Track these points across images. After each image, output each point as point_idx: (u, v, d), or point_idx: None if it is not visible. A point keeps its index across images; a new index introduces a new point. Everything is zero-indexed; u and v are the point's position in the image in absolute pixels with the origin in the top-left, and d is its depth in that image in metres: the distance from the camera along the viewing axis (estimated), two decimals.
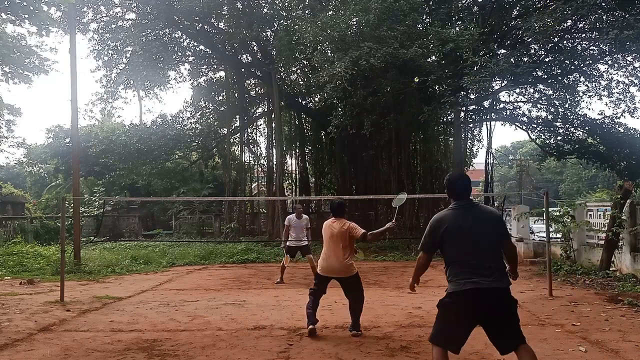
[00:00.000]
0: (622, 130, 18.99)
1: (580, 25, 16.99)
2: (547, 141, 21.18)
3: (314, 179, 26.53)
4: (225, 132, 23.78)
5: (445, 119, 20.36)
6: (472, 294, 3.50)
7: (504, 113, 20.72)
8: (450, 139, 21.22)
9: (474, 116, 21.58)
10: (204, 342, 5.70)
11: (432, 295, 8.69)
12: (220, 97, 25.02)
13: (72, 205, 14.93)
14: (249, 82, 25.44)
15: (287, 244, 10.47)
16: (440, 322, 3.69)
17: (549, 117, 20.04)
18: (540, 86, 18.95)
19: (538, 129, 21.05)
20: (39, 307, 7.69)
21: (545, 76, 18.09)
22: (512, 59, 15.46)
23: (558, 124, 20.10)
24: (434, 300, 8.26)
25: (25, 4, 10.66)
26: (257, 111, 26.27)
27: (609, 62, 17.70)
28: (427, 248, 3.82)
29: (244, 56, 23.74)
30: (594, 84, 18.33)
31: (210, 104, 25.37)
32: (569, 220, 11.71)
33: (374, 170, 20.73)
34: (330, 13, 16.29)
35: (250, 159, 26.14)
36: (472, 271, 3.54)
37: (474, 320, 3.58)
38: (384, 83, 17.25)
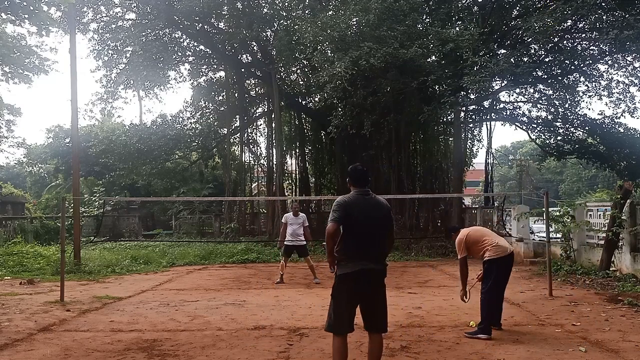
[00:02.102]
0: (622, 130, 19.00)
1: (580, 25, 16.99)
2: (547, 141, 21.18)
3: (314, 179, 26.53)
4: (225, 132, 23.79)
5: (445, 119, 20.37)
6: (361, 274, 3.93)
7: (504, 113, 20.73)
8: (450, 139, 21.22)
9: (474, 116, 21.58)
10: (204, 342, 5.70)
11: (432, 295, 8.70)
12: (220, 97, 25.02)
13: (72, 205, 14.93)
14: (249, 82, 25.44)
15: (285, 242, 10.49)
16: (335, 308, 4.00)
17: (549, 117, 20.04)
18: (540, 86, 18.96)
19: (538, 129, 21.06)
20: (39, 307, 7.69)
21: (545, 76, 18.09)
22: (512, 59, 15.46)
23: (558, 124, 20.10)
24: (434, 300, 8.30)
25: (25, 4, 10.67)
26: (257, 111, 26.28)
27: (609, 62, 17.72)
28: (339, 220, 3.96)
29: (244, 56, 23.74)
30: (594, 84, 18.34)
31: (210, 104, 25.37)
32: (569, 220, 11.71)
33: (374, 170, 20.70)
34: (330, 13, 16.29)
35: (250, 159, 26.17)
36: (363, 253, 3.95)
37: (360, 298, 4.01)
38: (384, 83, 17.24)
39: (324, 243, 12.26)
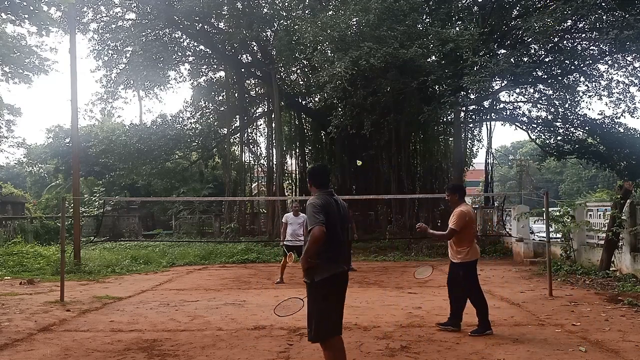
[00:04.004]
0: (622, 130, 19.01)
1: (580, 25, 17.00)
2: (547, 141, 21.19)
3: None
4: (225, 132, 23.79)
5: (445, 119, 20.38)
6: (342, 276, 3.99)
7: (504, 113, 20.74)
8: (450, 139, 21.24)
9: (474, 116, 21.59)
10: (204, 342, 5.70)
11: (432, 295, 8.71)
12: (220, 97, 25.03)
13: (72, 205, 14.93)
14: (249, 82, 25.45)
15: (285, 242, 10.50)
16: (327, 312, 3.92)
17: (549, 117, 20.05)
18: (540, 86, 18.96)
19: (538, 129, 21.07)
20: (39, 307, 7.69)
21: (545, 76, 18.09)
22: (512, 59, 15.46)
23: (558, 124, 20.11)
24: (434, 300, 8.30)
25: (25, 4, 10.67)
26: (257, 111, 26.30)
27: (609, 62, 17.73)
28: (325, 222, 3.78)
29: (244, 56, 23.75)
30: (594, 84, 18.35)
31: (210, 104, 25.38)
32: (569, 220, 11.70)
33: (374, 170, 20.73)
34: (330, 13, 16.30)
35: (250, 159, 26.18)
36: (340, 254, 3.97)
37: (342, 301, 4.06)
38: (384, 83, 17.25)
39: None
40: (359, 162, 15.09)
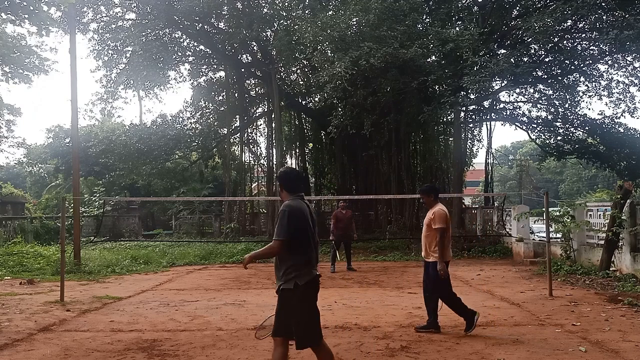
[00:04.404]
0: (622, 130, 19.01)
1: (580, 25, 17.00)
2: (547, 141, 21.19)
3: (314, 179, 26.55)
4: (225, 132, 23.79)
5: (445, 119, 20.38)
6: (317, 281, 3.93)
7: (504, 113, 20.74)
8: (450, 139, 21.24)
9: (474, 116, 21.59)
10: (204, 342, 5.70)
11: None
12: (220, 97, 25.02)
13: (72, 205, 14.93)
14: (249, 82, 25.46)
15: None
16: (313, 315, 3.86)
17: (549, 117, 20.05)
18: (540, 86, 18.97)
19: (538, 129, 21.07)
20: (39, 307, 7.69)
21: (545, 76, 18.10)
22: (512, 59, 15.47)
23: (558, 124, 20.11)
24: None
25: (25, 4, 10.68)
26: (257, 111, 26.30)
27: (609, 62, 17.74)
28: (290, 235, 3.71)
29: (244, 56, 23.75)
30: (594, 84, 18.36)
31: (210, 104, 25.37)
32: (569, 220, 11.70)
33: (374, 170, 20.73)
34: (330, 13, 16.30)
35: (250, 159, 26.20)
36: (313, 260, 3.91)
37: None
38: (384, 83, 17.25)
39: (331, 239, 12.04)
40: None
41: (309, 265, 3.84)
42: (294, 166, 26.19)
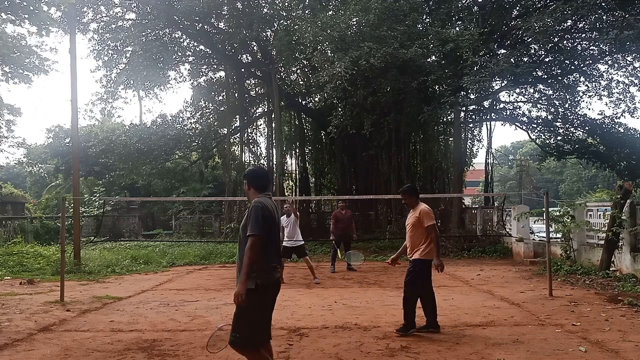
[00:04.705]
0: (622, 130, 19.02)
1: (580, 25, 17.01)
2: (547, 141, 21.19)
3: (314, 179, 26.55)
4: (225, 132, 23.79)
5: (445, 119, 20.39)
6: (276, 284, 3.81)
7: (504, 113, 20.74)
8: (450, 139, 21.24)
9: (474, 116, 21.59)
10: (204, 342, 5.68)
11: None
12: (220, 97, 25.03)
13: (72, 205, 14.93)
14: (249, 82, 25.45)
15: (283, 244, 10.53)
16: (254, 320, 3.70)
17: (549, 117, 20.05)
18: (540, 86, 18.97)
19: (538, 129, 21.07)
20: (39, 307, 7.69)
21: (545, 76, 18.10)
22: (512, 59, 15.47)
23: (558, 124, 20.12)
24: None
25: (25, 4, 10.68)
26: (257, 111, 26.30)
27: (609, 62, 17.74)
28: (265, 231, 3.63)
29: (244, 56, 23.75)
30: (594, 84, 18.36)
31: (210, 104, 25.37)
32: (569, 220, 11.70)
33: (374, 170, 20.74)
34: (330, 13, 16.30)
35: (250, 159, 26.16)
36: (276, 262, 3.82)
37: (271, 307, 3.84)
38: (384, 83, 17.26)
39: (332, 239, 12.00)
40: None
41: (272, 266, 3.74)
42: (294, 166, 26.25)
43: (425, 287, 6.10)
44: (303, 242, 10.71)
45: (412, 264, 6.04)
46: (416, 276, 5.98)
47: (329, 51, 16.62)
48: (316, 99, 22.55)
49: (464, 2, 18.71)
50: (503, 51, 17.69)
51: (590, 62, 17.79)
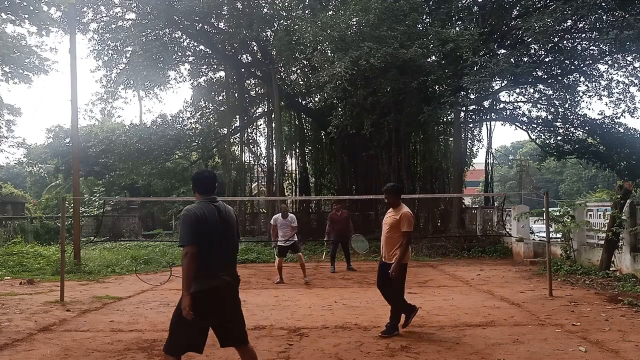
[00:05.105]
0: (622, 130, 19.02)
1: (580, 25, 17.01)
2: (547, 141, 21.20)
3: (314, 179, 26.53)
4: (225, 132, 23.79)
5: (445, 119, 20.37)
6: (218, 289, 3.64)
7: (504, 113, 20.74)
8: (450, 139, 21.23)
9: (474, 116, 21.59)
10: None
11: (432, 295, 8.71)
12: (220, 97, 25.02)
13: (72, 205, 14.93)
14: (249, 82, 25.44)
15: (278, 243, 10.56)
16: (182, 327, 3.60)
17: (549, 117, 20.06)
18: (540, 86, 18.97)
19: (538, 129, 21.07)
20: (39, 307, 7.69)
21: (545, 76, 18.10)
22: (512, 59, 15.47)
23: (558, 124, 20.12)
24: (434, 300, 8.30)
25: (25, 4, 10.67)
26: (257, 111, 26.29)
27: (609, 62, 17.75)
28: (196, 241, 3.57)
29: (244, 56, 23.75)
30: (594, 84, 18.36)
31: (210, 104, 25.37)
32: (569, 220, 11.70)
33: (374, 170, 20.73)
34: (330, 13, 16.30)
35: (250, 159, 26.17)
36: (217, 266, 3.67)
37: (214, 315, 3.67)
38: (384, 83, 17.25)
39: (326, 240, 12.00)
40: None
41: (209, 274, 3.60)
42: (294, 166, 26.25)
43: (401, 290, 6.05)
44: (296, 240, 10.74)
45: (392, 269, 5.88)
46: (396, 280, 5.85)
47: (329, 51, 16.62)
48: (316, 99, 22.54)
49: (464, 2, 18.71)
50: (503, 51, 17.69)
51: (590, 62, 17.79)
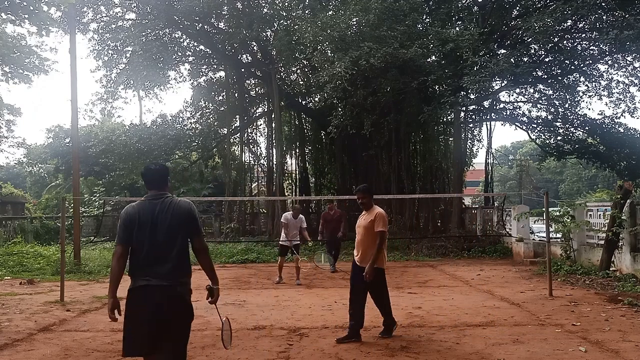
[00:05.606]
0: (622, 130, 19.03)
1: (580, 25, 17.01)
2: (547, 141, 21.20)
3: (314, 179, 26.54)
4: (225, 132, 23.78)
5: (445, 119, 20.38)
6: (146, 291, 3.38)
7: (504, 113, 20.75)
8: (450, 139, 21.24)
9: (474, 116, 21.60)
10: (204, 342, 5.70)
11: (432, 295, 8.70)
12: (220, 97, 25.01)
13: (72, 205, 14.93)
14: (249, 82, 25.44)
15: (280, 242, 10.56)
16: (125, 327, 3.50)
17: (549, 117, 20.06)
18: (540, 86, 18.98)
19: (538, 129, 21.08)
20: (39, 307, 7.69)
21: (545, 76, 18.10)
22: (512, 59, 15.48)
23: (558, 124, 20.12)
24: (434, 300, 8.30)
25: (25, 4, 10.68)
26: (257, 111, 26.28)
27: (609, 62, 17.76)
28: (123, 240, 3.46)
29: (244, 56, 23.75)
30: (594, 84, 18.37)
31: (210, 104, 25.36)
32: (569, 220, 11.71)
33: (374, 170, 20.73)
34: (330, 13, 16.30)
35: (250, 159, 26.16)
36: (148, 267, 3.41)
37: (148, 321, 3.38)
38: (384, 83, 17.25)
39: (320, 239, 11.91)
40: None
41: (135, 272, 3.44)
42: (294, 166, 26.24)
43: (386, 293, 5.90)
44: (299, 242, 10.76)
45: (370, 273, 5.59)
46: (371, 285, 5.62)
47: (329, 51, 16.62)
48: (316, 99, 22.54)
49: (464, 2, 18.71)
50: (503, 51, 17.70)
51: (590, 62, 17.79)
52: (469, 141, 22.49)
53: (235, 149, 26.84)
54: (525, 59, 16.51)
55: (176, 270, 3.48)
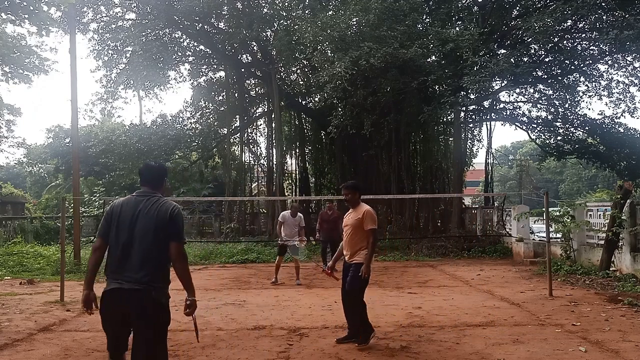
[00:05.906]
0: (622, 130, 19.03)
1: (580, 25, 17.02)
2: (547, 141, 21.21)
3: (314, 179, 26.53)
4: (225, 132, 23.78)
5: (445, 119, 20.38)
6: (116, 293, 3.28)
7: (504, 113, 20.75)
8: (450, 139, 21.24)
9: (474, 116, 21.60)
10: (204, 342, 5.70)
11: (432, 295, 8.70)
12: (220, 97, 25.01)
13: (72, 205, 14.93)
14: (249, 82, 25.44)
15: (279, 241, 10.54)
16: (103, 328, 3.48)
17: (549, 117, 20.07)
18: (540, 86, 18.99)
19: (538, 129, 21.09)
20: (39, 307, 7.69)
21: (545, 76, 18.11)
22: (512, 59, 15.48)
23: (558, 124, 20.13)
24: (434, 300, 8.30)
25: (25, 4, 10.69)
26: (257, 111, 26.28)
27: (609, 62, 17.76)
28: (101, 233, 3.45)
29: (244, 56, 23.75)
30: (594, 84, 18.38)
31: (210, 104, 25.37)
32: (569, 220, 11.71)
33: (374, 170, 20.73)
34: (330, 13, 16.30)
35: (250, 159, 26.15)
36: (121, 269, 3.32)
37: (120, 324, 3.36)
38: (384, 83, 17.25)
39: (316, 237, 11.82)
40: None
41: (109, 274, 3.39)
42: (294, 166, 26.24)
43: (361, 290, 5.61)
44: (297, 242, 10.71)
45: (355, 268, 5.41)
46: (363, 281, 5.42)
47: (329, 51, 16.62)
48: (316, 99, 22.54)
49: (464, 2, 18.72)
50: (503, 51, 17.70)
51: (590, 62, 17.80)
52: (469, 141, 22.50)
53: (235, 149, 26.84)
54: (525, 59, 16.51)
55: (151, 274, 3.30)
